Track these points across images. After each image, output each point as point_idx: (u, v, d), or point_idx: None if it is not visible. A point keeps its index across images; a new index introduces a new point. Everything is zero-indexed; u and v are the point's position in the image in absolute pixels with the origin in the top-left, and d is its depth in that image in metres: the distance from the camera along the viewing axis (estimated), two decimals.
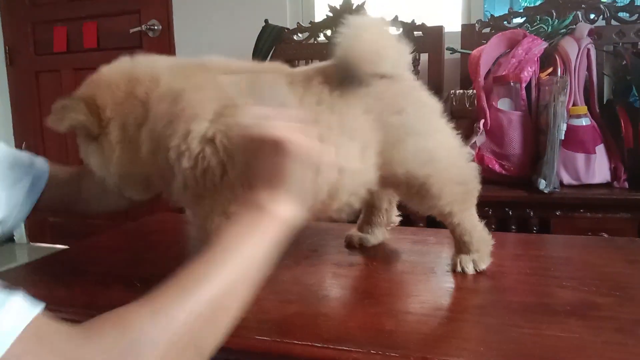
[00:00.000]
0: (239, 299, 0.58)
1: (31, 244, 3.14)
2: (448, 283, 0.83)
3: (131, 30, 2.65)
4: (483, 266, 0.86)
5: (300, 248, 1.02)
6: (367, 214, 1.02)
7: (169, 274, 0.88)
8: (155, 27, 2.64)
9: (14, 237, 3.15)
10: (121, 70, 0.82)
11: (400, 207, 1.05)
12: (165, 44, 2.64)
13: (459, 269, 0.86)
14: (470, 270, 0.85)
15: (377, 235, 1.03)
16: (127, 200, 0.92)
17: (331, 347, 0.63)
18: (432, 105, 0.87)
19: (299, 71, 0.85)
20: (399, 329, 0.67)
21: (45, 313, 0.47)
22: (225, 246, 0.59)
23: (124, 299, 0.80)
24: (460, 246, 0.88)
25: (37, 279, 0.97)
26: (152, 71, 0.80)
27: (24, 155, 0.91)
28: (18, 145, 2.97)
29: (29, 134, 2.88)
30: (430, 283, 0.83)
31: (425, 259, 0.94)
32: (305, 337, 0.65)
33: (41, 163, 0.93)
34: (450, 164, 0.84)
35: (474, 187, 0.89)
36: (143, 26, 2.64)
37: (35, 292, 0.88)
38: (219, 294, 0.55)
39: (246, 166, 0.67)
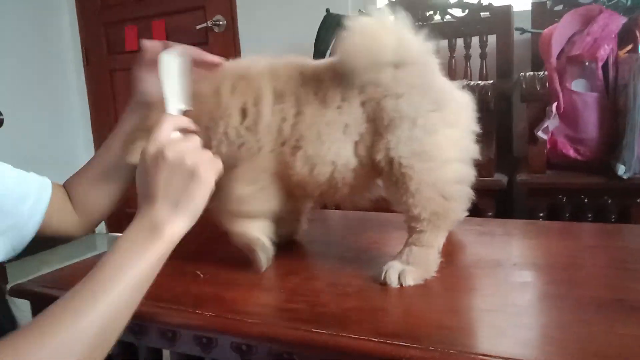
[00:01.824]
0: (120, 325, 0.61)
1: (110, 234, 3.32)
2: (514, 277, 0.79)
3: (197, 27, 2.71)
4: (410, 282, 0.76)
5: (360, 240, 1.01)
6: None
7: (232, 266, 0.90)
8: (220, 23, 2.69)
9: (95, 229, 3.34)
10: None
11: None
12: (230, 39, 2.68)
13: (382, 277, 0.77)
14: (393, 281, 0.76)
15: None
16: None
17: (388, 342, 0.61)
18: (441, 94, 0.80)
19: (311, 66, 0.84)
20: (460, 324, 0.65)
21: None
22: (109, 274, 0.61)
23: (188, 289, 0.83)
24: (401, 254, 0.80)
25: None
26: None
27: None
28: (97, 139, 3.14)
29: (105, 128, 3.04)
30: (495, 277, 0.80)
31: (491, 252, 0.90)
32: (363, 331, 0.64)
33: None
34: (440, 168, 0.77)
35: (455, 211, 0.81)
36: (209, 22, 2.70)
37: None
38: (100, 328, 0.57)
39: (139, 182, 0.70)
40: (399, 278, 0.77)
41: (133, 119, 0.91)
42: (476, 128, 0.82)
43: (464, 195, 0.81)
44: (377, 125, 0.77)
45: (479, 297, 0.73)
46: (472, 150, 0.83)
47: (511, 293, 0.73)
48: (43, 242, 0.94)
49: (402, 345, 0.60)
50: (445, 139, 0.78)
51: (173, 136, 0.70)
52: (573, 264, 0.83)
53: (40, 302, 0.90)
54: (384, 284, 0.77)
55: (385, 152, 0.77)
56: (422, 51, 0.81)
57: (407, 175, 0.76)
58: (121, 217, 3.44)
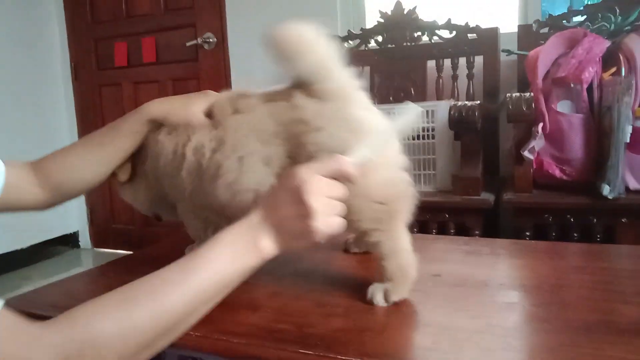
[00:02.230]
0: (197, 316, 0.62)
1: (95, 249, 3.28)
2: (501, 297, 0.79)
3: (188, 44, 2.72)
4: (395, 298, 0.77)
5: (348, 258, 1.01)
6: None
7: None
8: (211, 40, 2.69)
9: (80, 244, 3.30)
10: None
11: (460, 215, 1.01)
12: (220, 56, 2.69)
13: (368, 297, 0.78)
14: (379, 301, 0.77)
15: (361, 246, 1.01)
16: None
17: None
18: (359, 125, 0.78)
19: (247, 96, 0.88)
20: (447, 345, 0.65)
21: (8, 308, 0.52)
22: (205, 262, 0.62)
23: None
24: (377, 272, 0.80)
25: (96, 288, 1.00)
26: None
27: None
28: None
29: None
30: (482, 297, 0.80)
31: (478, 272, 0.90)
32: (350, 352, 0.64)
33: None
34: (367, 184, 0.75)
35: (399, 207, 0.81)
36: (199, 39, 2.71)
37: None
38: (182, 308, 0.59)
39: (272, 191, 0.69)
40: (384, 298, 0.77)
41: (135, 137, 0.93)
42: (399, 150, 0.81)
43: (402, 188, 0.82)
44: (298, 162, 0.76)
45: (466, 317, 0.72)
46: (399, 162, 0.82)
47: (498, 314, 0.73)
48: (26, 257, 0.94)
49: None
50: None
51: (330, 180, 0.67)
52: (560, 285, 0.83)
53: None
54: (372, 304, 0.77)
55: None
56: (343, 81, 0.80)
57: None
58: (107, 233, 3.41)
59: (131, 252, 1.20)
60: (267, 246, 0.65)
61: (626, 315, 0.70)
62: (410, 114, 0.71)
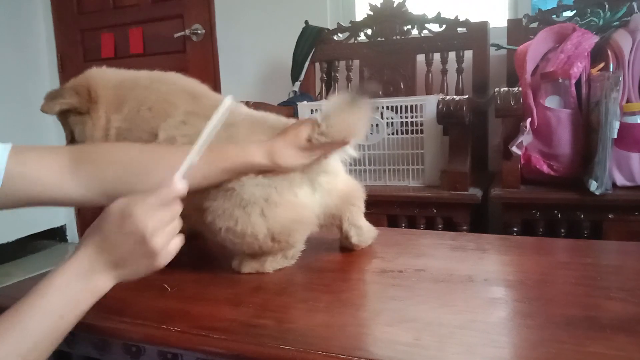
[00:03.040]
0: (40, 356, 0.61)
1: None
2: (485, 292, 0.79)
3: (175, 35, 2.69)
4: (246, 269, 0.90)
5: (334, 254, 1.00)
6: None
7: (201, 280, 0.89)
8: (199, 32, 2.67)
9: (67, 238, 3.27)
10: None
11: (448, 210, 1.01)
12: (208, 48, 2.67)
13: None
14: (234, 265, 0.91)
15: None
16: None
17: (356, 359, 0.60)
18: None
19: None
20: (429, 341, 0.64)
21: None
22: (32, 309, 0.61)
23: (154, 304, 0.80)
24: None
25: None
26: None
27: None
28: None
29: None
30: (466, 293, 0.79)
31: (463, 267, 0.90)
32: (331, 348, 0.63)
33: None
34: (256, 238, 0.86)
35: (295, 239, 0.90)
36: (187, 30, 2.68)
37: None
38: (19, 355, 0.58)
39: (103, 229, 0.66)
40: (238, 265, 0.90)
41: None
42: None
43: (294, 230, 0.88)
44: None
45: (450, 313, 0.72)
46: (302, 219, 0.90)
47: (481, 309, 0.73)
48: (12, 251, 0.91)
49: None
50: (263, 221, 0.86)
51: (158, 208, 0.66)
52: (544, 280, 0.83)
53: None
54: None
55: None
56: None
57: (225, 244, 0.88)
58: None
59: None
60: (102, 284, 0.65)
61: (609, 311, 0.69)
62: (224, 107, 0.71)
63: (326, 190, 0.90)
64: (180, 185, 0.66)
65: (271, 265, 0.90)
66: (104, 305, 0.80)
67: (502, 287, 0.81)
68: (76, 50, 3.01)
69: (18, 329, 0.59)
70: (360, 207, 0.97)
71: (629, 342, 0.61)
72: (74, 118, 0.99)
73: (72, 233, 3.26)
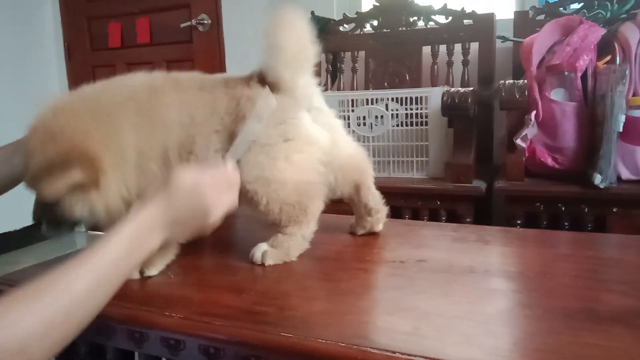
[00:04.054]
0: (100, 303, 0.65)
1: (90, 232, 3.28)
2: (485, 284, 0.79)
3: (182, 25, 2.69)
4: (270, 262, 0.89)
5: (335, 243, 1.00)
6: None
7: (203, 268, 0.90)
8: (205, 22, 2.67)
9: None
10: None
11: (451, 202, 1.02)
12: (214, 38, 2.67)
13: (250, 256, 0.90)
14: (257, 258, 0.89)
15: (365, 226, 1.04)
16: None
17: (355, 346, 0.61)
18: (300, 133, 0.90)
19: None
20: (428, 330, 0.65)
21: None
22: (103, 252, 0.66)
23: (157, 290, 0.81)
24: (271, 238, 0.91)
25: None
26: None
27: None
28: None
29: None
30: (466, 283, 0.79)
31: (464, 258, 0.90)
32: (330, 335, 0.64)
33: None
34: (284, 186, 0.88)
35: (309, 208, 0.91)
36: (193, 20, 2.68)
37: None
38: (85, 296, 0.62)
39: (172, 190, 0.75)
40: (262, 257, 0.89)
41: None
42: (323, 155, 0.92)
43: (313, 196, 0.91)
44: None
45: (449, 303, 0.72)
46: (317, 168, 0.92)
47: (481, 300, 0.73)
48: (19, 239, 0.96)
49: (368, 350, 0.60)
50: (284, 165, 0.88)
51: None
52: (544, 272, 0.83)
53: None
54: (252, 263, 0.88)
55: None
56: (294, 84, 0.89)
57: (254, 199, 0.88)
58: None
59: None
60: (157, 240, 0.73)
61: (607, 304, 0.70)
62: (265, 103, 0.77)
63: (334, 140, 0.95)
64: (231, 165, 0.81)
65: (295, 250, 0.91)
66: None
67: (502, 278, 0.82)
68: (83, 38, 3.01)
69: (88, 265, 0.64)
70: (372, 175, 1.02)
71: (626, 335, 0.62)
72: (75, 196, 0.80)
73: None
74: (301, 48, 0.88)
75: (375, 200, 1.03)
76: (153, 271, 0.87)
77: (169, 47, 2.78)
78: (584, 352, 0.58)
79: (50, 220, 0.84)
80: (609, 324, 0.64)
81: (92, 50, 3.01)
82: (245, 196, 0.87)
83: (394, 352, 0.59)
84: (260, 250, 0.90)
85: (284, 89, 0.88)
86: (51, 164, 0.77)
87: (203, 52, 2.68)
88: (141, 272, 0.86)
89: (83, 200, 0.80)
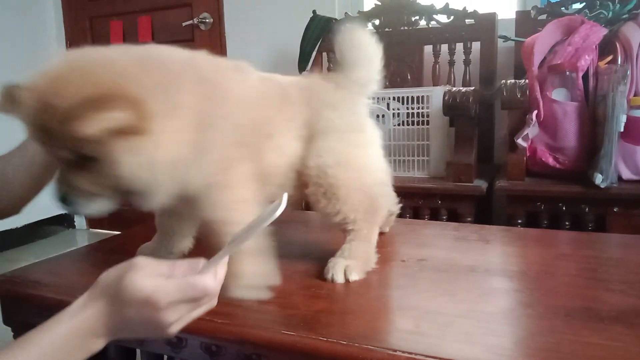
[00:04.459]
0: None
1: (91, 230, 3.28)
2: (486, 283, 0.80)
3: (184, 24, 2.69)
4: (355, 277, 0.81)
5: (340, 242, 1.00)
6: None
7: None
8: (207, 20, 2.67)
9: (75, 224, 3.30)
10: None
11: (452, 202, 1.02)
12: (216, 36, 2.67)
13: (329, 275, 0.81)
14: (339, 277, 0.81)
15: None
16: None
17: (356, 345, 0.61)
18: (366, 124, 0.94)
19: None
20: (429, 329, 0.65)
21: None
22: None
23: None
24: (342, 250, 0.85)
25: (82, 267, 1.00)
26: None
27: None
28: None
29: None
30: (467, 282, 0.80)
31: (465, 257, 0.90)
32: (331, 333, 0.64)
33: None
34: (363, 174, 0.87)
35: (382, 208, 0.91)
36: (195, 19, 2.68)
37: (79, 280, 0.92)
38: None
39: (123, 306, 0.60)
40: (345, 273, 0.81)
41: None
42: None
43: (385, 195, 0.93)
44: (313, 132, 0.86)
45: (450, 302, 0.73)
46: (383, 162, 0.96)
47: (482, 299, 0.74)
48: (20, 237, 0.92)
49: (369, 348, 0.60)
50: (362, 153, 0.89)
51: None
52: (545, 271, 0.83)
53: (10, 298, 0.89)
54: (331, 281, 0.81)
55: (310, 161, 0.85)
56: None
57: (334, 185, 0.83)
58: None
59: (118, 233, 1.20)
60: (99, 346, 0.61)
61: (608, 303, 0.70)
62: (278, 206, 0.61)
63: None
64: (211, 282, 0.59)
65: (373, 257, 0.87)
66: None
67: (503, 277, 0.82)
68: (85, 37, 3.01)
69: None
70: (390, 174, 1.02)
71: (627, 334, 0.62)
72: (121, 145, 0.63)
73: (80, 219, 3.28)
74: (372, 60, 0.93)
75: (392, 202, 1.03)
76: None
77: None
78: (584, 350, 0.59)
79: (82, 193, 0.67)
80: (610, 323, 0.65)
81: None
82: (318, 189, 0.84)
83: (395, 351, 0.59)
84: (341, 265, 0.82)
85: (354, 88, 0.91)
86: (89, 102, 0.60)
87: (205, 50, 2.68)
88: None
89: (131, 150, 0.63)
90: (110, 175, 0.65)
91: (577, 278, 0.80)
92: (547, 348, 0.60)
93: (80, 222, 3.29)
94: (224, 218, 0.75)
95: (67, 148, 0.63)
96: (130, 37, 2.88)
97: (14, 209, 0.96)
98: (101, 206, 0.69)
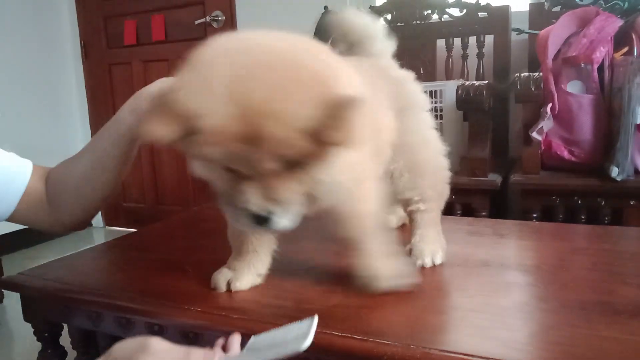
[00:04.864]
0: None
1: (107, 227, 3.33)
2: (500, 277, 0.80)
3: (196, 22, 2.71)
4: (440, 260, 0.86)
5: None
6: None
7: (220, 262, 0.91)
8: (219, 18, 2.68)
9: (92, 222, 3.34)
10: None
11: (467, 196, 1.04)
12: None
13: (419, 262, 0.85)
14: (429, 262, 0.85)
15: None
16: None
17: (371, 340, 0.62)
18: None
19: None
20: (443, 323, 0.65)
21: None
22: None
23: (176, 284, 0.83)
24: (420, 237, 0.88)
25: (100, 264, 1.02)
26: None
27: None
28: (94, 133, 3.15)
29: (103, 122, 3.02)
30: (481, 277, 0.80)
31: (479, 252, 0.90)
32: (346, 328, 0.64)
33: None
34: (440, 155, 0.91)
35: (447, 193, 0.93)
36: (207, 17, 2.70)
37: (97, 277, 0.93)
38: None
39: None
40: (432, 259, 0.85)
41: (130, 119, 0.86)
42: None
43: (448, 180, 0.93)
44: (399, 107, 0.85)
45: (464, 296, 0.73)
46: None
47: (496, 293, 0.74)
48: (38, 235, 0.91)
49: (383, 342, 0.61)
50: (436, 134, 0.91)
51: None
52: (560, 265, 0.83)
53: (30, 295, 0.90)
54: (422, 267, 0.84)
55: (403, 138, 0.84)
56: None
57: (420, 160, 0.86)
58: (118, 211, 3.43)
59: (135, 231, 1.22)
60: None
61: (624, 297, 0.70)
62: (307, 332, 0.56)
63: None
64: None
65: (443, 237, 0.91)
66: (128, 285, 0.83)
67: (518, 271, 0.82)
68: (99, 37, 3.05)
69: None
70: None
71: None
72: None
73: (96, 217, 3.33)
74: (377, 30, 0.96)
75: None
76: (243, 285, 0.79)
77: (183, 44, 2.79)
78: (600, 344, 0.58)
79: (288, 206, 0.61)
80: (626, 316, 0.64)
81: (108, 48, 3.04)
82: (405, 165, 0.85)
83: (410, 345, 0.60)
84: (428, 251, 0.86)
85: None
86: (336, 107, 0.55)
87: None
88: (228, 284, 0.79)
89: (339, 154, 0.60)
90: (316, 182, 0.62)
91: (593, 272, 0.80)
92: (562, 342, 0.60)
93: (97, 219, 3.33)
94: (362, 211, 0.74)
95: (278, 156, 0.57)
96: (143, 35, 2.91)
97: (83, 220, 0.94)
98: (298, 217, 0.64)
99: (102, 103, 3.09)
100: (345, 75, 0.63)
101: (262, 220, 0.60)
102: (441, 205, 0.91)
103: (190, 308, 0.74)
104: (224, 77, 0.56)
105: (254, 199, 0.59)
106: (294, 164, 0.58)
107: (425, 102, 0.91)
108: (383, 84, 0.84)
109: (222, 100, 0.55)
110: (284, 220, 0.61)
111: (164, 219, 1.28)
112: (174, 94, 0.56)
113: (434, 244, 0.87)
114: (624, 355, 0.56)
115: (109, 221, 3.31)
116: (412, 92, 0.90)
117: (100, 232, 3.28)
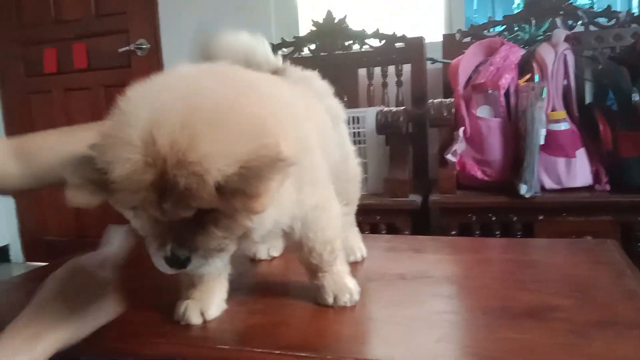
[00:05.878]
0: None
1: (28, 263, 3.16)
2: (414, 289, 0.84)
3: (120, 50, 2.68)
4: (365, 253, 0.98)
5: (274, 259, 1.03)
6: None
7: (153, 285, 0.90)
8: (144, 46, 2.67)
9: (10, 258, 3.17)
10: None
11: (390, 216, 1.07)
12: (154, 62, 2.66)
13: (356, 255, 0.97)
14: (359, 256, 0.98)
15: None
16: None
17: (289, 354, 0.64)
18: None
19: None
20: (358, 334, 0.69)
21: None
22: None
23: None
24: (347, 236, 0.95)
25: (22, 293, 0.98)
26: None
27: None
28: None
29: None
30: (396, 289, 0.84)
31: (396, 266, 0.95)
32: (265, 345, 0.66)
33: None
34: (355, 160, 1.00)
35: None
36: (131, 45, 2.67)
37: (12, 310, 0.90)
38: None
39: None
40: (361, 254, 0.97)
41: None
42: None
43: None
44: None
45: (379, 308, 0.77)
46: None
47: (409, 304, 0.78)
48: None
49: (301, 356, 0.63)
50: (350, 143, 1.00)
51: None
52: (468, 276, 0.89)
53: None
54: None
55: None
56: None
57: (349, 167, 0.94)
58: (40, 245, 3.24)
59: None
60: None
61: (521, 301, 0.76)
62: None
63: None
64: None
65: None
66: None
67: (430, 283, 0.87)
68: (17, 64, 2.93)
69: None
70: None
71: (536, 327, 0.67)
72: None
73: (15, 253, 3.16)
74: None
75: None
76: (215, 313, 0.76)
77: (107, 72, 2.75)
78: (497, 345, 0.64)
79: (206, 251, 0.60)
80: (522, 318, 0.70)
81: (26, 77, 2.93)
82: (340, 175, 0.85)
83: (325, 356, 0.62)
84: (358, 248, 0.98)
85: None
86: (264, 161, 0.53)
87: (142, 76, 2.64)
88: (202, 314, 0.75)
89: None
90: (240, 227, 0.60)
91: (497, 280, 0.86)
92: (466, 344, 0.65)
93: (16, 255, 3.17)
94: (329, 237, 0.75)
95: (194, 206, 0.55)
96: (65, 63, 2.83)
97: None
98: (223, 260, 0.64)
99: (21, 133, 2.96)
100: (279, 123, 0.59)
101: (179, 265, 0.60)
102: (355, 208, 0.99)
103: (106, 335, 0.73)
104: (138, 126, 0.55)
105: (169, 245, 0.59)
106: (212, 211, 0.57)
107: (343, 112, 0.96)
108: (315, 101, 0.85)
109: (134, 149, 0.54)
110: (204, 263, 0.60)
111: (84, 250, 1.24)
112: (93, 149, 0.57)
113: (358, 241, 0.98)
114: (520, 352, 0.62)
115: (29, 256, 3.15)
116: (335, 104, 0.94)
117: (20, 268, 3.11)
